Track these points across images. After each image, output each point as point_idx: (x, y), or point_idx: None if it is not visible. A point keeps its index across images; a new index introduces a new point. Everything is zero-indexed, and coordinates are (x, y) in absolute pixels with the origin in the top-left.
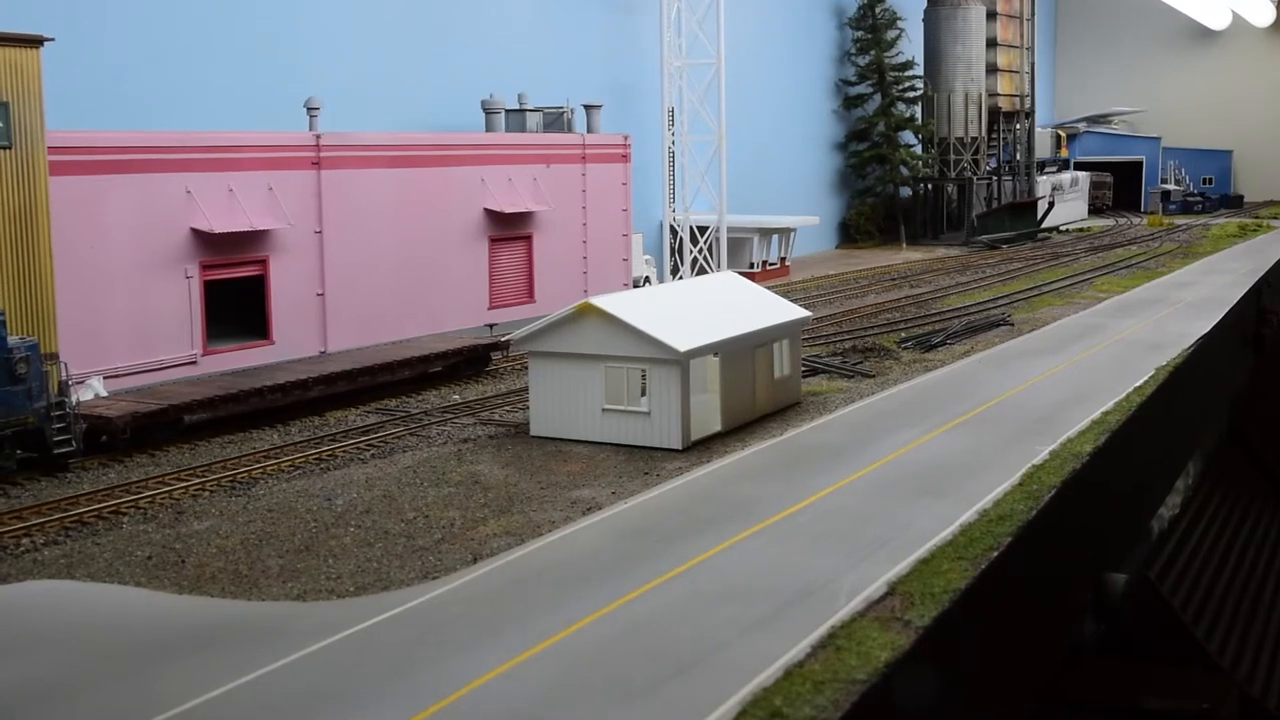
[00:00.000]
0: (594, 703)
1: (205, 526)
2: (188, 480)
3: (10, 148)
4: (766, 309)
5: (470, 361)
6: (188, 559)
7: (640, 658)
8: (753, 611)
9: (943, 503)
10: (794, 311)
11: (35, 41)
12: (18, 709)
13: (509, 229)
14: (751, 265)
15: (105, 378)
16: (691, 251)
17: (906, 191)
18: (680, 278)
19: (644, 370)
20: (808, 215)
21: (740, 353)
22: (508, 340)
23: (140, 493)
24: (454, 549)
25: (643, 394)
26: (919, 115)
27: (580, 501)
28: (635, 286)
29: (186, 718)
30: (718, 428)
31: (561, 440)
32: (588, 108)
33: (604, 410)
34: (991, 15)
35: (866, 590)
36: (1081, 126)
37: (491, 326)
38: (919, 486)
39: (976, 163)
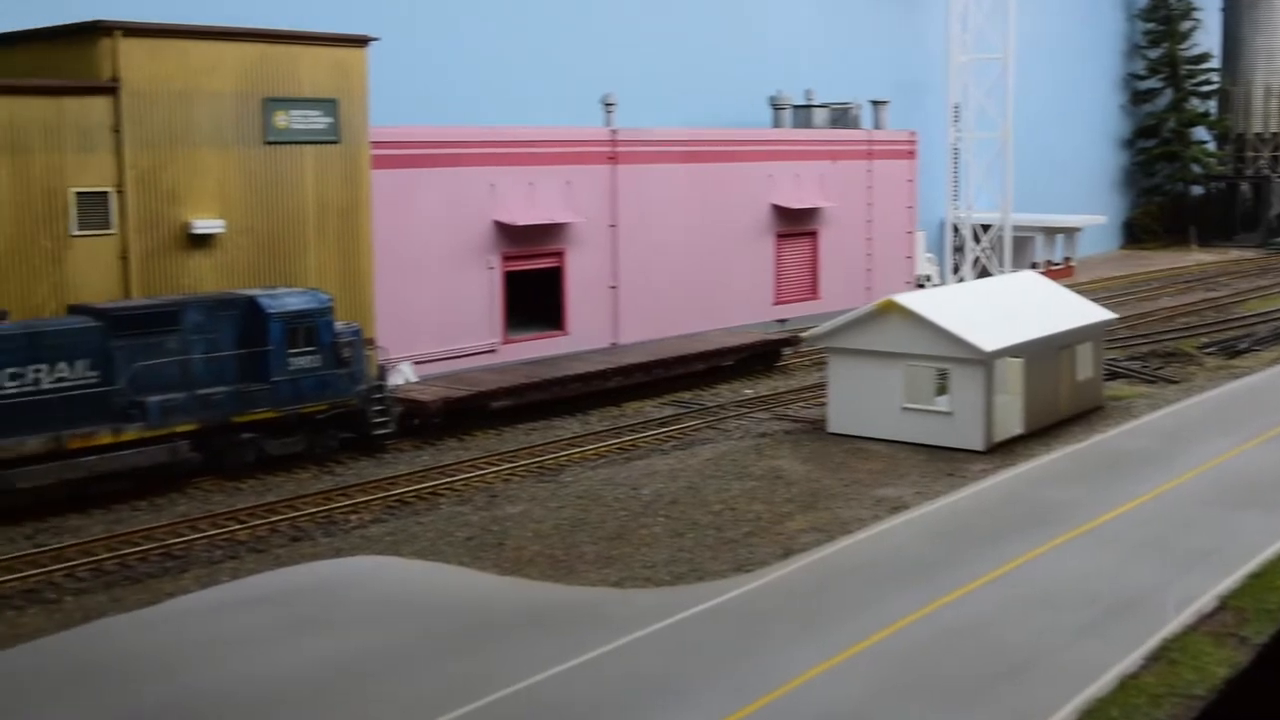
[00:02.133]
0: (922, 705)
1: (518, 511)
2: (498, 465)
3: (339, 143)
4: (1070, 310)
5: (761, 356)
6: (506, 541)
7: (964, 661)
8: (1076, 618)
9: (1273, 516)
10: (1098, 313)
11: (361, 41)
12: (368, 677)
13: (795, 225)
14: (1034, 265)
15: (410, 364)
16: (974, 250)
17: (1197, 190)
18: (961, 278)
19: (946, 369)
20: (1093, 214)
21: (1044, 354)
22: (799, 336)
23: (455, 475)
24: (764, 543)
25: (941, 393)
26: (1214, 110)
27: (885, 500)
28: (919, 286)
29: (524, 696)
30: (1019, 430)
31: (859, 438)
32: (875, 104)
33: (904, 409)
34: None
35: (1196, 603)
36: None
37: (783, 321)
38: (1242, 498)
39: (1276, 160)
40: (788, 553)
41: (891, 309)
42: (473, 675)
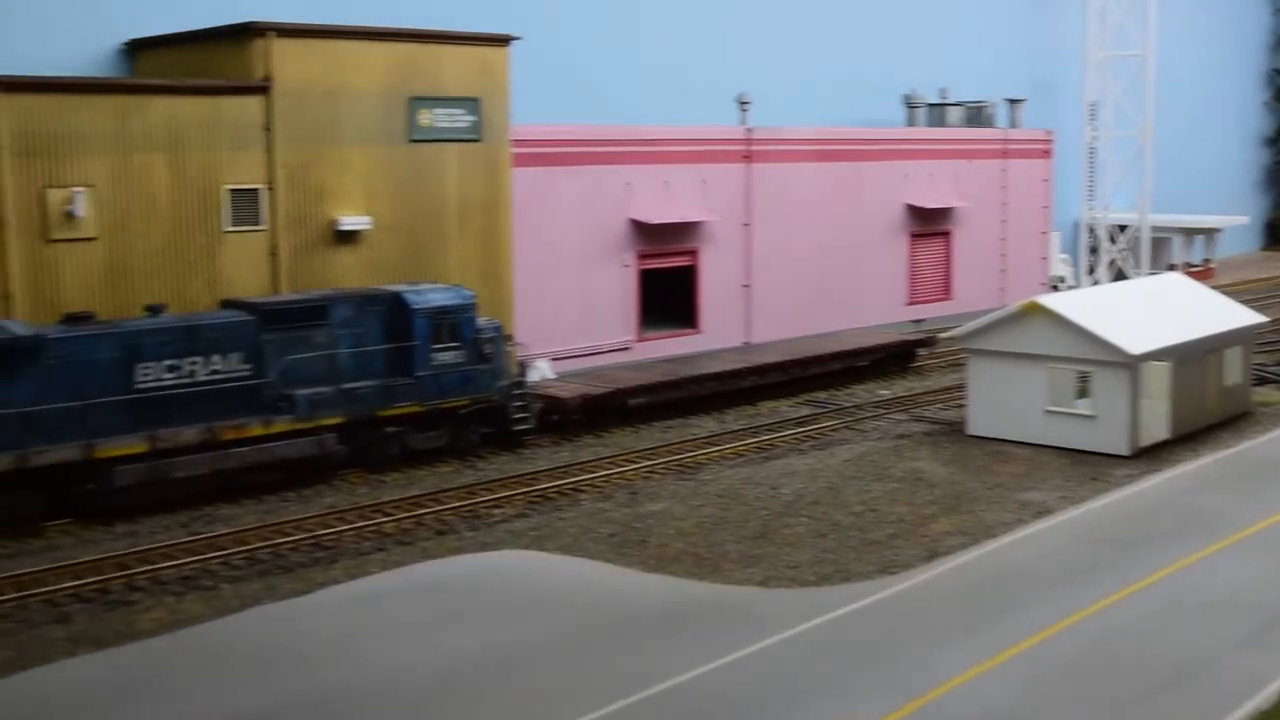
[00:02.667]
0: (1081, 712)
1: (660, 508)
2: (637, 463)
3: (481, 141)
4: (1216, 313)
5: (896, 357)
6: (649, 538)
7: (1122, 670)
8: (1234, 629)
9: None
10: (1247, 316)
11: (504, 40)
12: (521, 670)
13: (929, 225)
14: (1172, 266)
15: (547, 360)
16: (1109, 252)
17: None
18: (1096, 280)
19: (1089, 372)
20: (1234, 215)
21: (1191, 358)
22: (935, 336)
23: (595, 472)
24: (908, 545)
25: (1082, 396)
26: None
27: (1029, 504)
28: (1053, 287)
29: (678, 693)
30: (1165, 435)
31: (999, 440)
32: (1011, 102)
33: (1046, 412)
34: None
35: None
36: None
37: (918, 322)
38: None
39: None
40: (933, 555)
41: (1035, 310)
42: (625, 671)
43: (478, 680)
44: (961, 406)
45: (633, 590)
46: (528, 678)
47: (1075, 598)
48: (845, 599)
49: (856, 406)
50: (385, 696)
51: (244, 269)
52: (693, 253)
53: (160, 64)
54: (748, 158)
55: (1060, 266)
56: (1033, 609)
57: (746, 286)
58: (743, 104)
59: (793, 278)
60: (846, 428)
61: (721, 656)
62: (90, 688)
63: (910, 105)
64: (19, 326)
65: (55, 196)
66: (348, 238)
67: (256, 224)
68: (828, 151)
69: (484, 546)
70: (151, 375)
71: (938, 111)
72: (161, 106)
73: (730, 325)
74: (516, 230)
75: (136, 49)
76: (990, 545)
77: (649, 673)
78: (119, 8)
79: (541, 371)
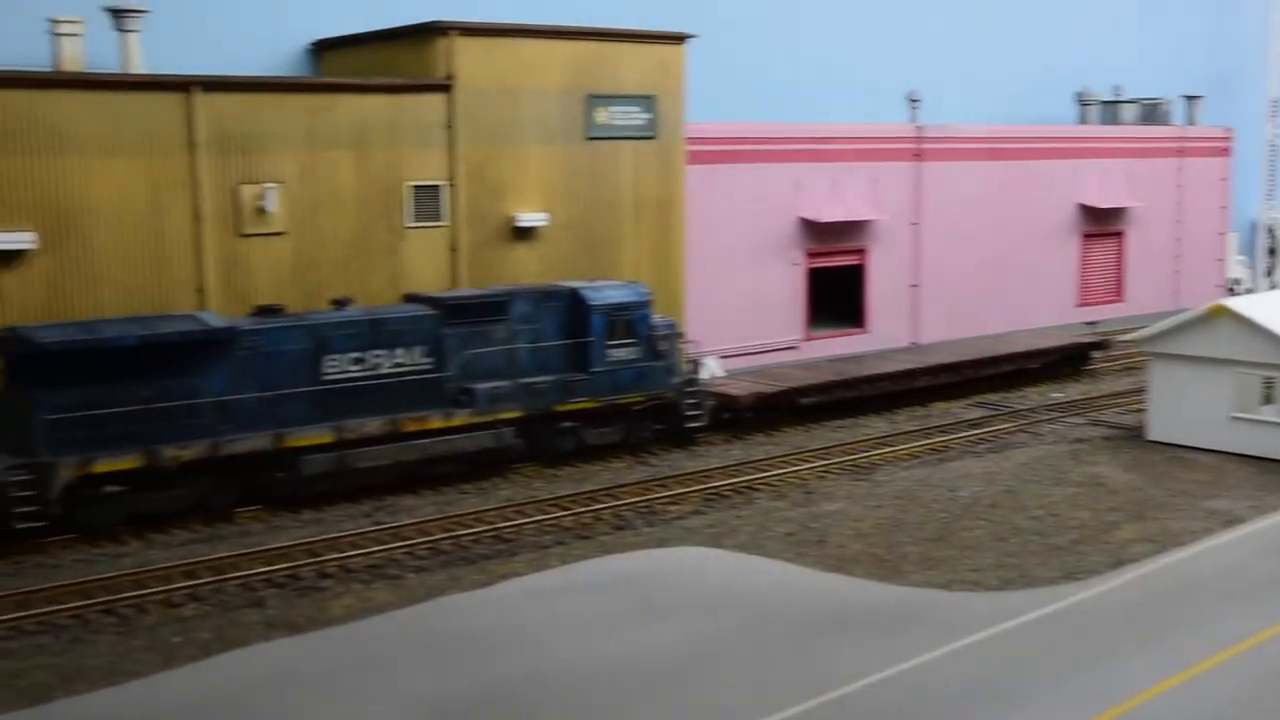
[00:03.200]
0: None
1: (836, 508)
2: (811, 462)
3: (655, 139)
4: None
5: (1068, 359)
6: (826, 538)
7: None
8: None
9: None
10: None
11: (679, 39)
12: (705, 666)
13: (1102, 225)
14: None
15: (717, 358)
16: None
17: None
18: (1274, 283)
19: (1275, 378)
20: None
21: None
22: (1110, 339)
23: (768, 470)
24: (1092, 551)
25: (1268, 402)
26: None
27: (1217, 513)
28: (1229, 290)
29: (867, 694)
30: None
31: (1180, 446)
32: (1189, 99)
33: (1231, 418)
34: None
35: None
36: None
37: (1092, 324)
38: None
39: None
40: (1119, 562)
41: (1221, 313)
42: (813, 671)
43: (665, 675)
44: (1139, 411)
45: (814, 590)
46: (716, 674)
47: (1272, 611)
48: (1031, 604)
49: (1030, 409)
50: (574, 688)
51: (424, 264)
52: (861, 251)
53: (344, 63)
54: (918, 156)
55: (1237, 268)
56: (1228, 620)
57: (914, 286)
58: (913, 101)
59: (961, 278)
60: (1021, 430)
61: (911, 658)
62: (289, 671)
63: (1083, 103)
64: (214, 318)
65: (248, 192)
66: (525, 234)
67: (437, 220)
68: (999, 150)
69: (661, 542)
70: (338, 367)
71: (1111, 109)
72: (348, 105)
73: (897, 325)
74: (688, 227)
75: (321, 49)
76: (1178, 554)
77: (837, 673)
78: (303, 9)
79: (710, 369)
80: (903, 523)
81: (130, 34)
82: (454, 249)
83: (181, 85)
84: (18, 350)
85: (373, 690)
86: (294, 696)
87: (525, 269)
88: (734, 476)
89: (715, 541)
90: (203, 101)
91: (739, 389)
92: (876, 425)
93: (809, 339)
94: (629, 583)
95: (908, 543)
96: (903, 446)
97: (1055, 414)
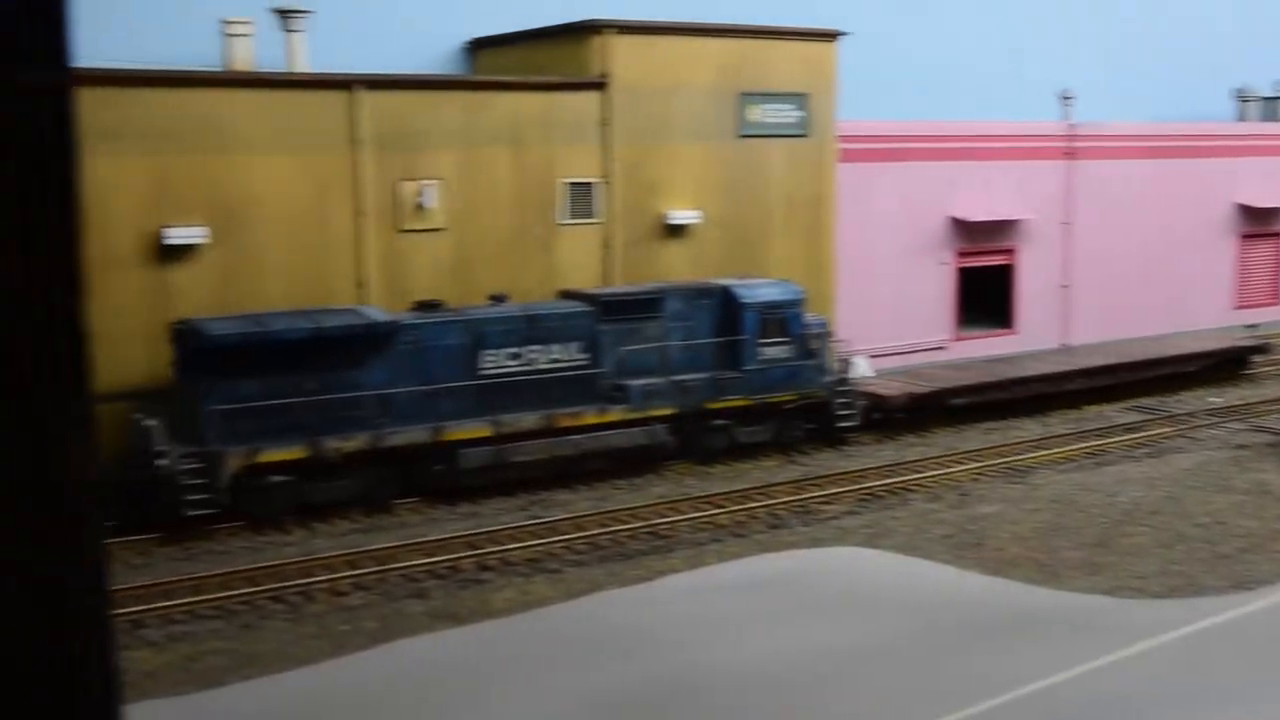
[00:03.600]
0: None
1: (993, 511)
2: (965, 464)
3: (807, 136)
4: None
5: (1227, 363)
6: (984, 541)
7: None
8: None
9: None
10: None
11: (832, 36)
12: (867, 667)
13: (1261, 225)
14: None
15: (866, 357)
16: None
17: None
18: None
19: None
20: None
21: None
22: (1269, 343)
23: (922, 472)
24: (1263, 560)
25: None
26: None
27: None
28: None
29: (1036, 699)
30: None
31: None
32: None
33: None
34: None
35: None
36: None
37: (1252, 326)
38: None
39: None
40: None
41: None
42: (980, 673)
43: (828, 675)
44: None
45: (976, 592)
46: (882, 674)
47: None
48: (1200, 613)
49: (1188, 414)
50: (737, 686)
51: (578, 260)
52: (1011, 251)
53: (498, 62)
54: (1070, 154)
55: None
56: None
57: (1065, 287)
58: (1065, 99)
59: (1113, 278)
60: (1179, 435)
61: (1080, 664)
62: (455, 661)
63: (1242, 99)
64: (376, 313)
65: (407, 189)
66: (676, 232)
67: (591, 216)
68: (1153, 148)
69: (816, 542)
70: (495, 362)
71: (1271, 105)
72: (504, 102)
73: (1047, 326)
74: (838, 226)
75: (476, 47)
76: None
77: (1005, 676)
78: (458, 9)
79: (859, 369)
80: (1062, 527)
81: (295, 34)
82: (607, 246)
83: (345, 84)
84: (191, 343)
85: (536, 682)
86: (461, 687)
87: (677, 266)
88: (888, 477)
89: (871, 542)
90: (365, 99)
91: (891, 389)
92: (1029, 428)
93: (958, 339)
94: (789, 581)
95: (1067, 547)
96: (1057, 449)
97: (1215, 419)
